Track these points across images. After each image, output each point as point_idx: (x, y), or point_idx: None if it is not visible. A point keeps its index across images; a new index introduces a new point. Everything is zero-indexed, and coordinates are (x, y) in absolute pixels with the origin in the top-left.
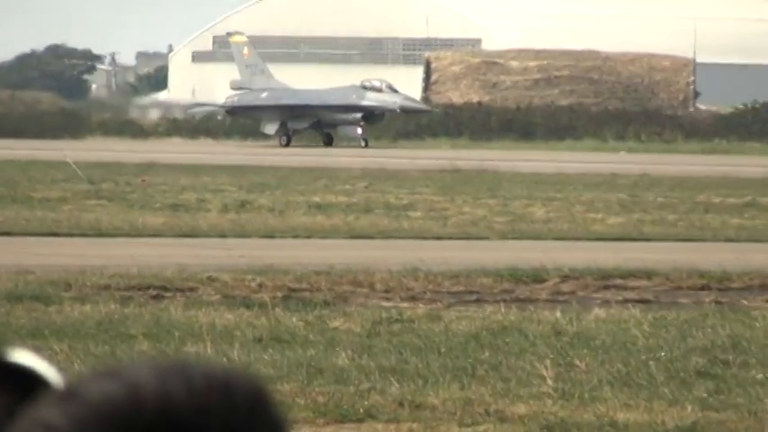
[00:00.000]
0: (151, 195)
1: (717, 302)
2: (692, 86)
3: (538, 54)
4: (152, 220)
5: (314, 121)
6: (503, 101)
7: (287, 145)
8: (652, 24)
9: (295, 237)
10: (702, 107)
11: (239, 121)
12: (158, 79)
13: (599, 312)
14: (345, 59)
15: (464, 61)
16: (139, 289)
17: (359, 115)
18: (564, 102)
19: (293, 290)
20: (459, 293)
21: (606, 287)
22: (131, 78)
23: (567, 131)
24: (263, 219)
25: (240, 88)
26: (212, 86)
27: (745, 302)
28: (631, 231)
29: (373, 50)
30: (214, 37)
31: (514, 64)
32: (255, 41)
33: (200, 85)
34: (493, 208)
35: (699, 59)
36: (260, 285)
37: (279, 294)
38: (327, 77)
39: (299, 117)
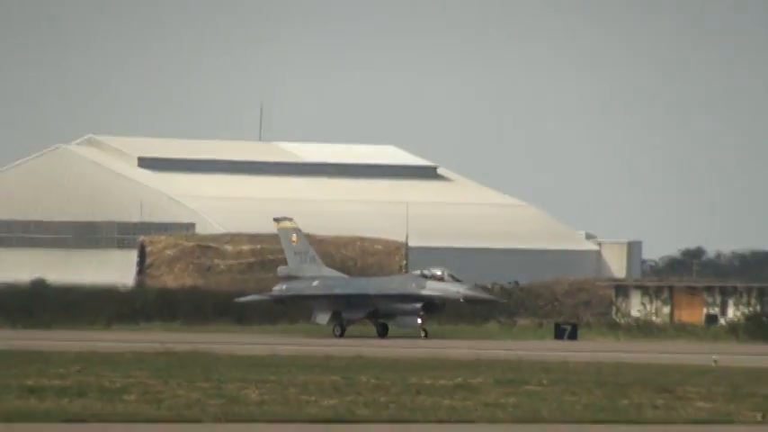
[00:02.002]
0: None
1: None
2: (404, 270)
3: (252, 238)
4: None
5: (370, 311)
6: (217, 284)
7: (341, 335)
8: (364, 208)
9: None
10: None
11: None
12: None
13: None
14: (59, 243)
15: (178, 245)
16: None
17: (419, 305)
18: (278, 285)
19: None
20: None
21: None
22: None
23: (281, 315)
24: None
25: (289, 276)
26: None
27: None
28: (344, 413)
29: (87, 234)
30: None
31: (228, 248)
32: None
33: None
34: (207, 391)
35: (411, 243)
36: None
37: None
38: (41, 261)
39: (353, 307)
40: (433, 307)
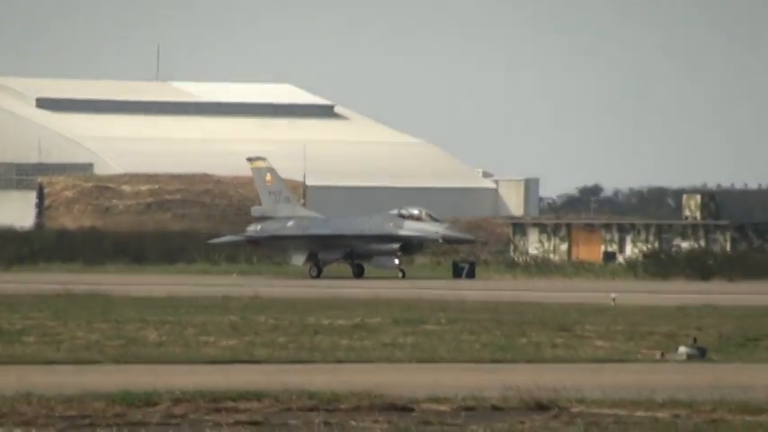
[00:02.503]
0: None
1: (326, 423)
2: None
3: (150, 178)
4: None
5: (347, 252)
6: (116, 225)
7: (317, 276)
8: (262, 147)
9: None
10: None
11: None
12: None
13: None
14: None
15: (76, 186)
16: None
17: (396, 245)
18: (176, 226)
19: None
20: (72, 418)
21: (218, 410)
22: None
23: (180, 255)
24: None
25: (263, 217)
26: None
27: (353, 423)
28: (242, 354)
29: None
30: None
31: (127, 188)
32: None
33: None
34: (105, 332)
35: (309, 182)
36: None
37: None
38: None
39: (330, 247)
40: (410, 247)
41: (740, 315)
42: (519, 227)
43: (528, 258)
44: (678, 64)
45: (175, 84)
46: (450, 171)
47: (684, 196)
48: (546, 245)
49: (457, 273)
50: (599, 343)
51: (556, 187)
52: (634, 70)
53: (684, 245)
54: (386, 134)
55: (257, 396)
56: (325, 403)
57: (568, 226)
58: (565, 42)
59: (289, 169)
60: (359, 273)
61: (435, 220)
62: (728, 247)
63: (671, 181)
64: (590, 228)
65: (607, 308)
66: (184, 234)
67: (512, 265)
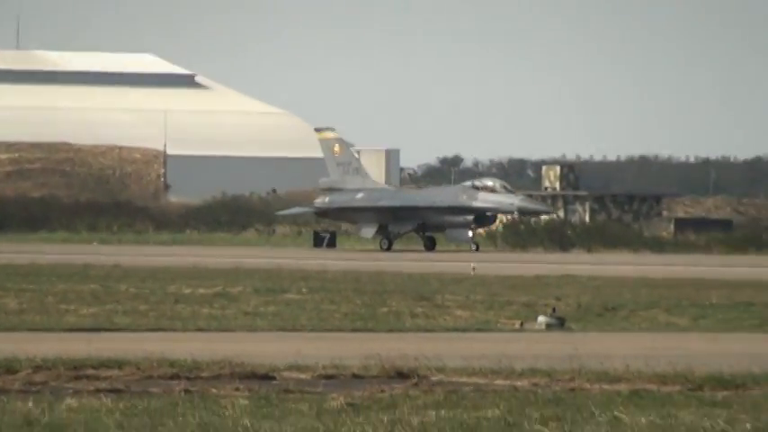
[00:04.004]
0: None
1: (187, 391)
2: (162, 178)
3: (10, 147)
4: None
5: (418, 224)
6: None
7: (388, 249)
8: (123, 116)
9: None
10: (173, 198)
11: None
12: None
13: (71, 402)
14: None
15: None
16: None
17: (470, 217)
18: (36, 194)
19: None
20: None
21: (78, 377)
22: None
23: (40, 223)
24: None
25: (331, 189)
26: None
27: (214, 391)
28: (103, 322)
29: None
30: None
31: None
32: None
33: None
34: None
35: (170, 151)
36: None
37: None
38: None
39: (400, 219)
40: (483, 219)
41: (598, 285)
42: None
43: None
44: (538, 38)
45: (36, 52)
46: (311, 141)
47: (544, 167)
48: None
49: (318, 242)
50: (459, 312)
51: (417, 157)
52: (493, 42)
53: (543, 216)
54: (247, 104)
55: (118, 364)
56: (186, 371)
57: None
58: (427, 12)
59: (149, 138)
60: (430, 245)
61: (510, 191)
62: (587, 218)
63: (531, 152)
64: None
65: (467, 277)
66: (45, 202)
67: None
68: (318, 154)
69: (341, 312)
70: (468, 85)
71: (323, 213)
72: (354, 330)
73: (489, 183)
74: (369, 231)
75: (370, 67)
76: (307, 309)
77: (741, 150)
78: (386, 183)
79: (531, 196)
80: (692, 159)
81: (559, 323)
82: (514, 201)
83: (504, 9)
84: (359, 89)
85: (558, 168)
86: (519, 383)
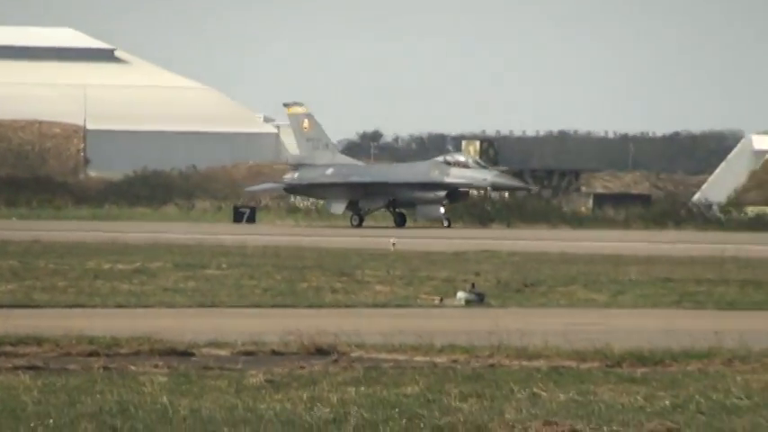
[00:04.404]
0: None
1: (105, 368)
2: (82, 153)
3: None
4: None
5: (389, 200)
6: None
7: (359, 225)
8: (42, 91)
9: None
10: (93, 173)
11: None
12: None
13: None
14: None
15: None
16: None
17: (442, 193)
18: None
19: None
20: None
21: None
22: None
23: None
24: None
25: (300, 164)
26: None
27: (133, 368)
28: (22, 298)
29: None
30: None
31: None
32: None
33: None
34: None
35: (89, 126)
36: None
37: None
38: None
39: (371, 195)
40: (456, 195)
41: (517, 261)
42: None
43: (309, 204)
44: (456, 12)
45: None
46: (232, 116)
47: (464, 142)
48: None
49: (237, 218)
50: (379, 288)
51: (337, 132)
52: (412, 16)
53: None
54: (167, 78)
55: (37, 341)
56: (105, 348)
57: None
58: None
59: (69, 113)
60: (401, 222)
61: (483, 167)
62: (507, 193)
63: (451, 127)
64: None
65: (387, 253)
66: None
67: (293, 211)
68: (240, 128)
69: (260, 288)
70: (388, 60)
71: (292, 189)
72: (274, 306)
73: (462, 158)
74: (339, 207)
75: (290, 42)
76: (226, 284)
77: (660, 126)
78: None
79: (506, 172)
80: (611, 135)
81: (479, 299)
82: (487, 176)
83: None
84: (280, 64)
85: (477, 143)
86: (438, 360)
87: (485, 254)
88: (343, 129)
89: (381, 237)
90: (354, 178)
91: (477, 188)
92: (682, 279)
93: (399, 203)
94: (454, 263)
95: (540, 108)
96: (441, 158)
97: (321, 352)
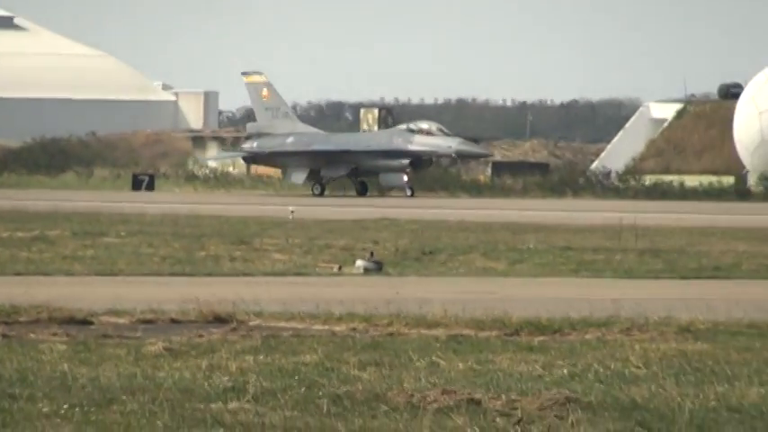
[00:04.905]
0: None
1: (4, 336)
2: None
3: None
4: None
5: (352, 169)
6: None
7: (321, 194)
8: None
9: None
10: None
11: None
12: None
13: None
14: None
15: None
16: None
17: (406, 162)
18: None
19: None
20: None
21: None
22: None
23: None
24: None
25: (260, 134)
26: None
27: (32, 336)
28: None
29: None
30: None
31: None
32: None
33: None
34: None
35: None
36: None
37: None
38: None
39: (333, 164)
40: (420, 163)
41: (416, 229)
42: (199, 140)
43: (207, 172)
44: None
45: None
46: (130, 83)
47: (362, 110)
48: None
49: (136, 185)
50: (277, 256)
51: (235, 101)
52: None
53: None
54: (66, 46)
55: None
56: (4, 316)
57: (247, 138)
58: None
59: None
60: (362, 191)
61: (447, 134)
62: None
63: (348, 95)
64: None
65: (286, 221)
66: None
67: (191, 179)
68: (138, 96)
69: (159, 256)
70: (285, 29)
71: (252, 158)
72: (172, 274)
73: (425, 125)
74: (300, 177)
75: (190, 11)
76: (125, 253)
77: (558, 94)
78: (204, 125)
79: (470, 140)
80: (509, 103)
81: (377, 267)
82: (452, 144)
83: None
84: (179, 33)
85: (375, 111)
86: (337, 328)
87: (383, 222)
88: (241, 97)
89: (279, 205)
90: (316, 146)
91: (442, 156)
92: (580, 248)
93: (362, 172)
94: (353, 231)
95: (438, 76)
96: (404, 126)
97: (220, 320)
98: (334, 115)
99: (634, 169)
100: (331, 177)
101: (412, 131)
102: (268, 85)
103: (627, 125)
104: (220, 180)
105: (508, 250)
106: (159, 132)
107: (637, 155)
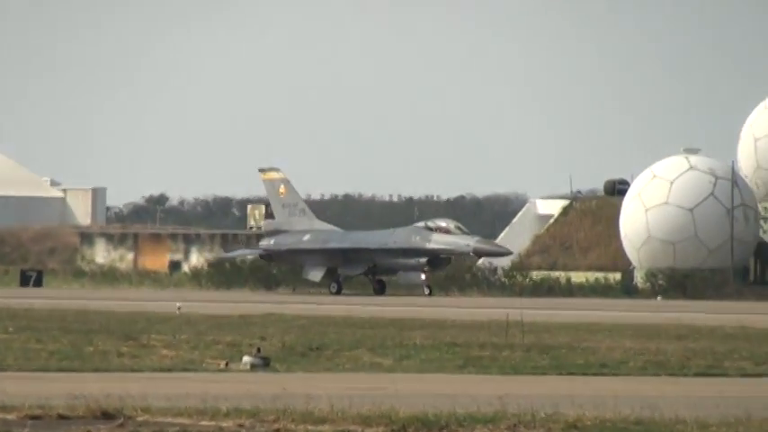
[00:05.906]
0: None
1: None
2: None
3: None
4: None
5: (369, 267)
6: None
7: (338, 293)
8: None
9: None
10: None
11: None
12: None
13: None
14: None
15: None
16: None
17: (424, 260)
18: None
19: None
20: None
21: None
22: None
23: None
24: None
25: (277, 231)
26: None
27: None
28: None
29: None
30: None
31: None
32: None
33: None
34: None
35: None
36: None
37: None
38: None
39: (350, 262)
40: (438, 261)
41: (303, 324)
42: (87, 236)
43: (95, 267)
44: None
45: None
46: (18, 179)
47: (249, 206)
48: (112, 254)
49: (24, 281)
50: (165, 352)
51: (123, 196)
52: (190, 77)
53: (250, 255)
54: None
55: None
56: None
57: (135, 235)
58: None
59: None
60: (380, 289)
61: (465, 232)
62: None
63: (235, 191)
64: (156, 237)
65: (173, 317)
66: None
67: (79, 274)
68: (25, 192)
69: (47, 351)
70: (173, 125)
71: (269, 256)
72: (60, 370)
73: (443, 223)
74: (317, 275)
75: (76, 106)
76: (13, 348)
77: (444, 189)
78: (92, 221)
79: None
80: (395, 198)
81: (264, 363)
82: (470, 242)
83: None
84: (66, 129)
85: (263, 207)
86: (224, 424)
87: (270, 317)
88: (129, 193)
89: (166, 301)
90: (333, 244)
91: (459, 254)
92: (466, 344)
93: (379, 270)
94: (240, 327)
95: (325, 173)
96: (421, 224)
97: (107, 416)
98: (221, 211)
99: (520, 265)
100: (348, 275)
101: (430, 229)
102: (285, 181)
103: (513, 221)
104: (107, 275)
105: (395, 346)
106: (47, 228)
107: (523, 251)
